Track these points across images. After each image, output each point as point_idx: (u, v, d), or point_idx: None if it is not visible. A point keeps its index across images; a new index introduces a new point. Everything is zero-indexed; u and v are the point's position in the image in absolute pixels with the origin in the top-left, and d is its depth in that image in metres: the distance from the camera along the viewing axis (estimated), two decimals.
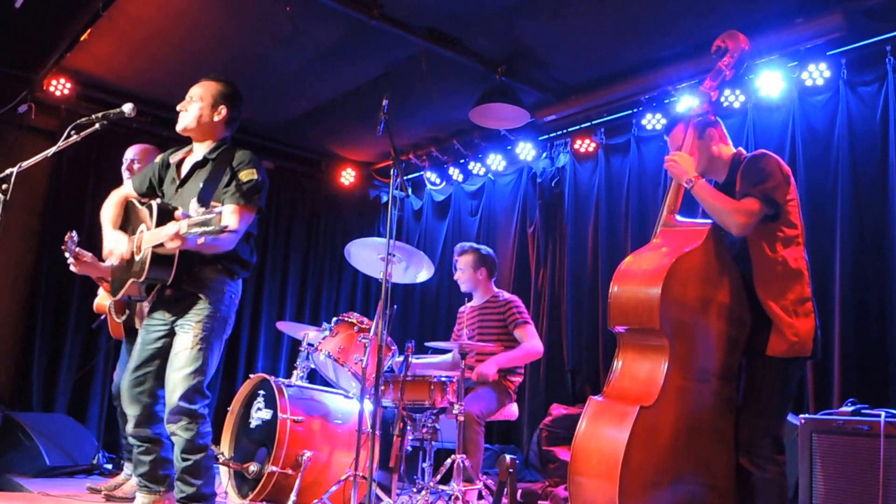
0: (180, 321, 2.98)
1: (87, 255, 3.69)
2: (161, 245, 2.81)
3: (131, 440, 3.02)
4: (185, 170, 3.14)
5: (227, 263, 3.02)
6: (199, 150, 3.16)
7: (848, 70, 4.37)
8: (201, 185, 3.03)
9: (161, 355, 3.00)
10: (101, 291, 4.20)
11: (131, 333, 4.16)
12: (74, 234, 3.60)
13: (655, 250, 2.88)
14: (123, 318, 3.98)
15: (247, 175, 3.00)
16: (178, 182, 3.13)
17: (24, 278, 5.83)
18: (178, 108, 3.16)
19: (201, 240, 2.62)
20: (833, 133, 4.41)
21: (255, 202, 3.00)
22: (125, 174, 4.08)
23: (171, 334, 3.00)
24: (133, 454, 3.07)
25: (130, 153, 4.15)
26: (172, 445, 2.98)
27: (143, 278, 2.91)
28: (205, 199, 2.99)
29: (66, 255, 3.62)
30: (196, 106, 3.12)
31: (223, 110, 3.13)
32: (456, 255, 4.72)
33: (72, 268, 3.70)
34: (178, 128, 3.17)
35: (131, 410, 3.01)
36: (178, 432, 2.90)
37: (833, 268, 4.18)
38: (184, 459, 2.90)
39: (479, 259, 4.63)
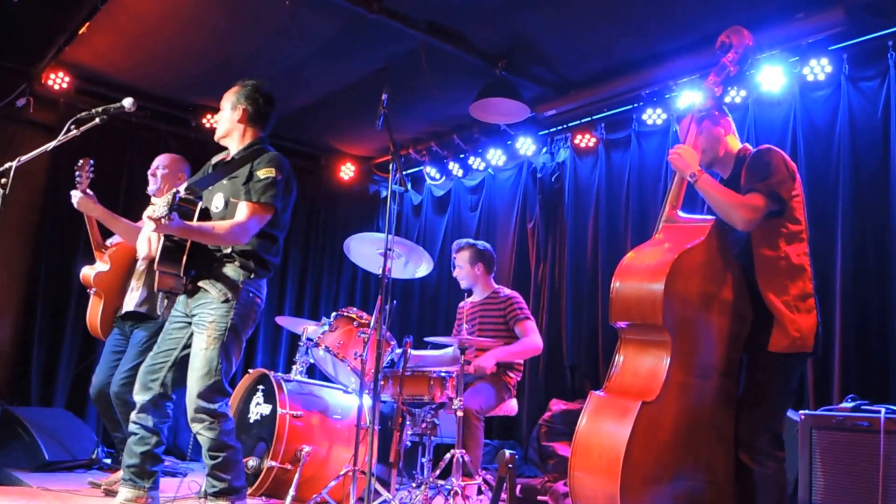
0: (197, 318, 3.03)
1: (92, 194, 3.92)
2: (172, 237, 2.93)
3: (131, 426, 3.05)
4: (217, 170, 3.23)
5: (244, 262, 3.06)
6: (232, 152, 3.25)
7: (849, 65, 4.35)
8: (225, 182, 3.12)
9: (178, 347, 3.06)
10: (96, 265, 4.28)
11: (120, 331, 4.19)
12: (92, 161, 3.83)
13: (658, 246, 2.87)
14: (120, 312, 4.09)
15: (264, 173, 3.05)
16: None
17: (22, 272, 5.82)
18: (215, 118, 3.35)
19: (170, 216, 2.68)
20: (834, 128, 4.39)
21: (268, 200, 3.02)
22: (150, 178, 4.25)
23: (189, 326, 3.07)
24: (127, 444, 3.07)
25: (158, 161, 4.30)
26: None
27: (155, 267, 3.01)
28: (226, 198, 3.09)
29: (77, 177, 3.73)
30: (222, 113, 3.27)
31: (241, 108, 3.22)
32: (453, 252, 4.71)
33: (74, 199, 3.82)
34: (216, 137, 3.32)
35: (140, 397, 3.05)
36: (203, 432, 2.97)
37: (834, 263, 4.17)
38: (212, 458, 2.98)
39: (476, 254, 4.63)
